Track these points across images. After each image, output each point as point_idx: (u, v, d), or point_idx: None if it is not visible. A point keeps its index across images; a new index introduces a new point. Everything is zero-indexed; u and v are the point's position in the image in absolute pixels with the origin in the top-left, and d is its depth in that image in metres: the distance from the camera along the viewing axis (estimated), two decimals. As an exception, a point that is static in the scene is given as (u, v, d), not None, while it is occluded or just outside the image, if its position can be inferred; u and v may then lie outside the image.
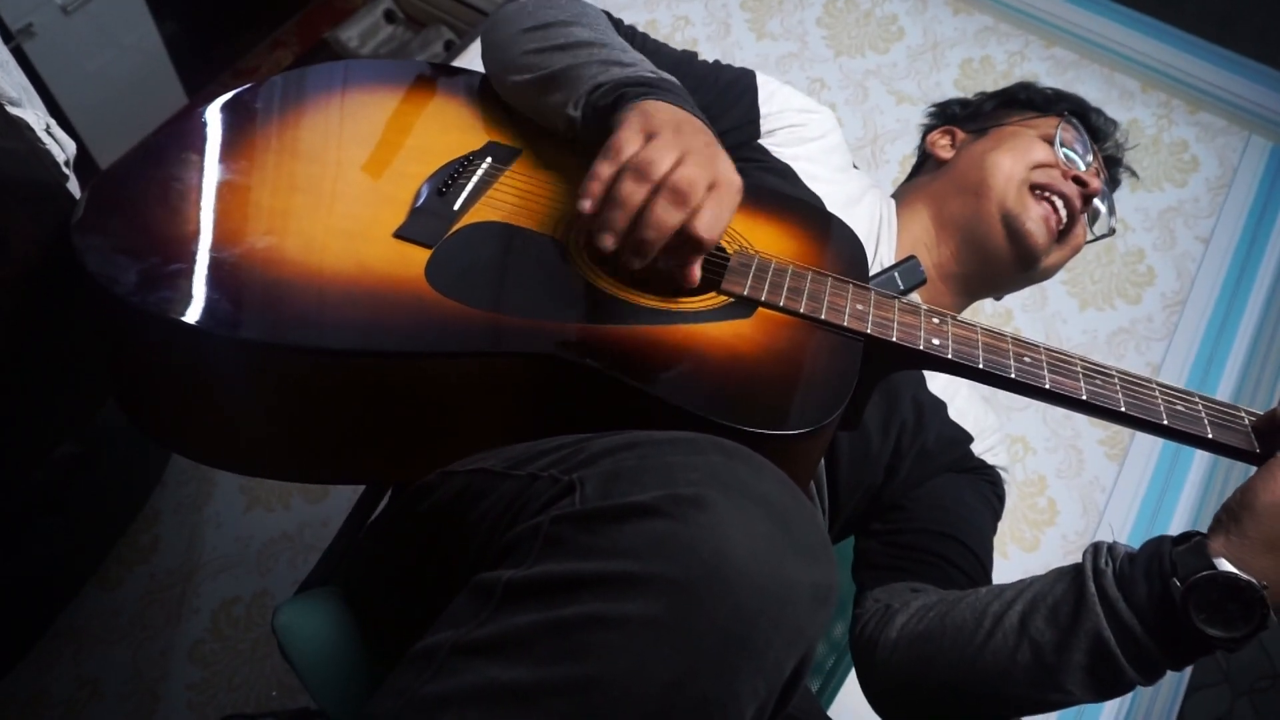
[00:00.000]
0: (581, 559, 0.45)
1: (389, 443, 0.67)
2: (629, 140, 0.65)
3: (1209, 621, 0.59)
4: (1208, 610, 0.59)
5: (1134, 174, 1.09)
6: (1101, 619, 0.63)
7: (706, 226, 0.64)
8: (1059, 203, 0.94)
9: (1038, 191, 0.94)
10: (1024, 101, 1.04)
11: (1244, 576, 0.58)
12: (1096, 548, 0.68)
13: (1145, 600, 0.62)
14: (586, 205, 0.64)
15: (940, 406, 0.93)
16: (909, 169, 1.15)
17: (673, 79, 0.76)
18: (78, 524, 1.30)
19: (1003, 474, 0.96)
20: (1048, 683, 0.67)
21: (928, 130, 1.12)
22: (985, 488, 0.93)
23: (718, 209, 0.64)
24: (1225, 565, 0.59)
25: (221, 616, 1.40)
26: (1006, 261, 0.96)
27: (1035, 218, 0.93)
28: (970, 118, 1.08)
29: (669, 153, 0.63)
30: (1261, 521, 0.59)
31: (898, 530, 0.90)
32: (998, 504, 0.94)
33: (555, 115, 0.78)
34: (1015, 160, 0.95)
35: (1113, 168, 1.05)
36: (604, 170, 0.64)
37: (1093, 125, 1.02)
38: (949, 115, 1.12)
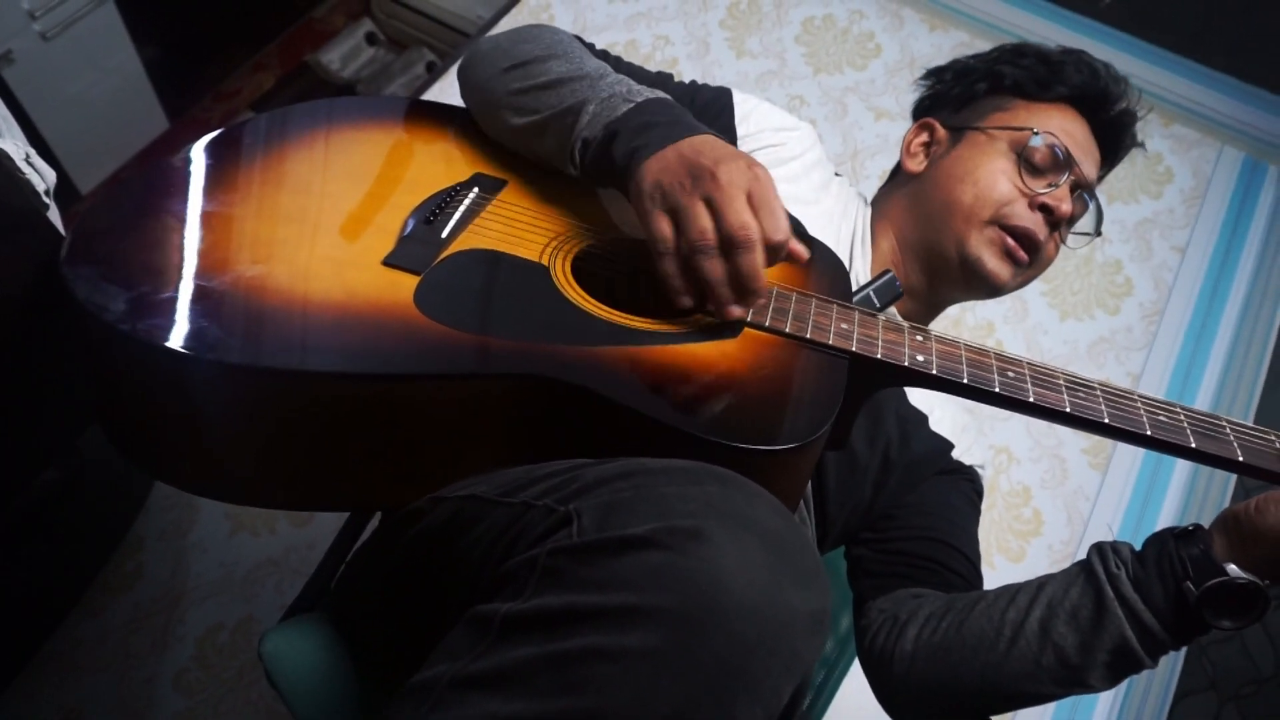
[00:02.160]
0: (579, 592, 0.45)
1: (379, 468, 0.67)
2: (660, 228, 0.68)
3: (1218, 616, 0.66)
4: (1218, 607, 0.66)
5: (1141, 145, 1.01)
6: (1124, 622, 0.69)
7: (774, 232, 0.66)
8: (1022, 239, 0.90)
9: (1002, 227, 0.90)
10: (1012, 88, 0.97)
11: (1255, 580, 0.65)
12: (1102, 550, 0.73)
13: (1162, 602, 0.68)
14: (687, 302, 0.69)
15: (922, 419, 0.94)
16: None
17: (653, 92, 0.76)
18: (60, 551, 1.28)
19: (980, 471, 0.98)
20: (1072, 680, 0.73)
21: (916, 108, 1.07)
22: (966, 486, 0.96)
23: (771, 212, 0.67)
24: (1235, 570, 0.65)
25: (207, 644, 1.38)
26: (968, 292, 0.96)
27: (994, 257, 0.90)
28: (956, 103, 1.01)
29: (700, 214, 0.66)
30: (1272, 547, 0.65)
31: (890, 538, 0.92)
32: (977, 500, 0.97)
33: (552, 161, 0.79)
34: (977, 199, 0.90)
35: (1121, 133, 0.98)
36: (669, 267, 0.68)
37: (1101, 90, 0.95)
38: (939, 94, 1.04)
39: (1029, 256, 0.91)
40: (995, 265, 0.91)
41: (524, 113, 0.80)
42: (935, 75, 1.06)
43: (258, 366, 0.60)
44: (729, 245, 0.66)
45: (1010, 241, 0.90)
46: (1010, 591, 0.78)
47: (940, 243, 0.93)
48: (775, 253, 0.67)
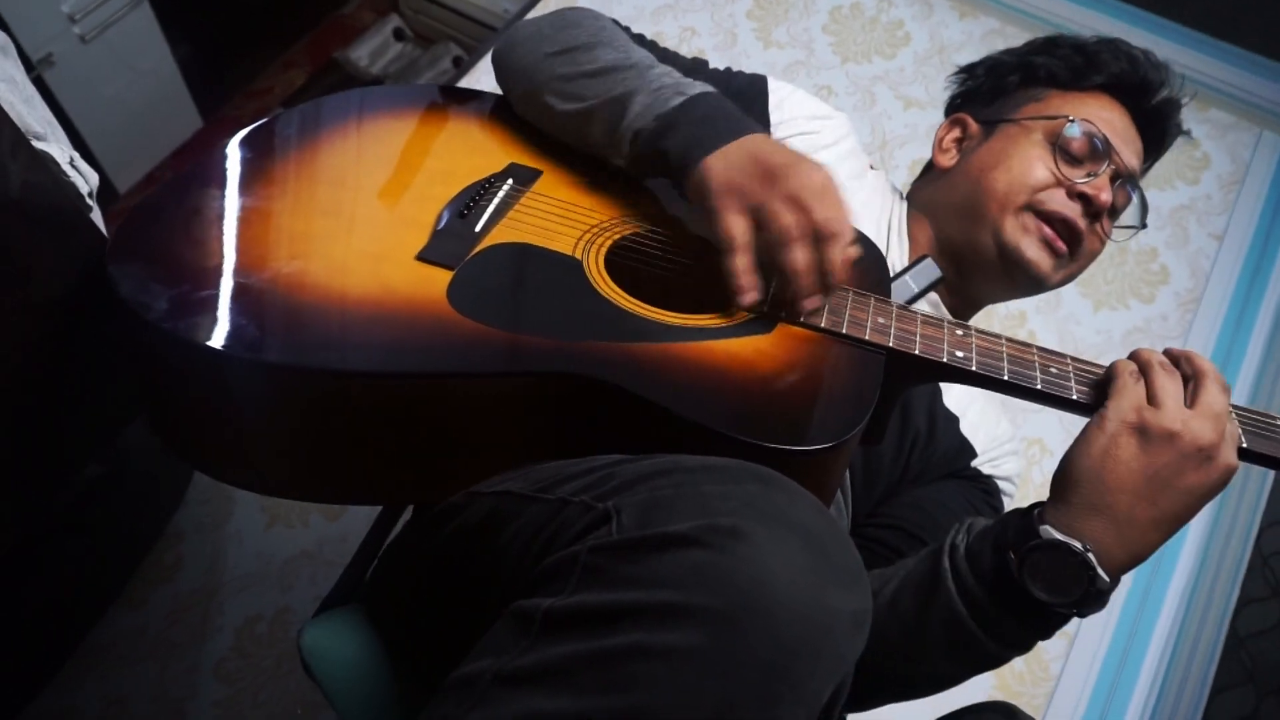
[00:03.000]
0: (622, 589, 0.45)
1: (413, 464, 0.68)
2: (735, 224, 0.68)
3: (1045, 589, 0.61)
4: (1044, 578, 0.61)
5: (1187, 133, 0.98)
6: (953, 592, 0.65)
7: (849, 231, 0.68)
8: (1060, 227, 0.87)
9: (1038, 214, 0.87)
10: (1046, 78, 0.95)
11: (1063, 539, 0.61)
12: (960, 524, 0.70)
13: (990, 572, 0.64)
14: (752, 299, 0.68)
15: (954, 420, 0.92)
16: (918, 173, 1.11)
17: (702, 86, 0.76)
18: (102, 544, 1.31)
19: (1009, 485, 0.94)
20: (917, 656, 0.69)
21: (948, 106, 1.06)
22: (977, 496, 0.91)
23: (847, 210, 0.69)
24: (1050, 532, 0.62)
25: (245, 634, 1.40)
26: (1009, 286, 0.93)
27: (1034, 244, 0.87)
28: (989, 96, 1.00)
29: (784, 210, 0.67)
30: (1080, 486, 0.62)
31: (870, 524, 0.89)
32: (990, 515, 0.92)
33: (598, 149, 0.79)
34: (1011, 185, 0.88)
35: (1164, 122, 0.95)
36: (740, 263, 0.68)
37: (1141, 78, 0.93)
38: (971, 89, 1.03)
39: (1068, 248, 0.88)
40: (1035, 254, 0.87)
41: (569, 99, 0.79)
42: (967, 71, 1.04)
43: (294, 365, 0.61)
44: (819, 237, 0.67)
45: (1048, 230, 0.87)
46: (891, 568, 0.75)
47: (976, 234, 0.90)
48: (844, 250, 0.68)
